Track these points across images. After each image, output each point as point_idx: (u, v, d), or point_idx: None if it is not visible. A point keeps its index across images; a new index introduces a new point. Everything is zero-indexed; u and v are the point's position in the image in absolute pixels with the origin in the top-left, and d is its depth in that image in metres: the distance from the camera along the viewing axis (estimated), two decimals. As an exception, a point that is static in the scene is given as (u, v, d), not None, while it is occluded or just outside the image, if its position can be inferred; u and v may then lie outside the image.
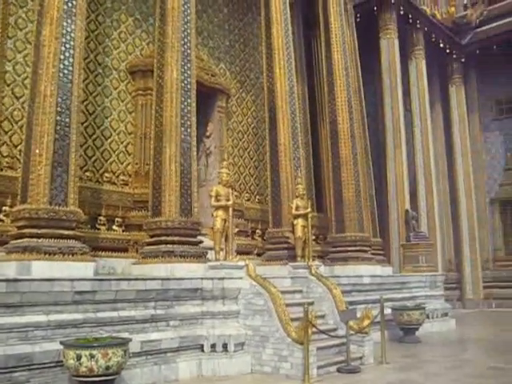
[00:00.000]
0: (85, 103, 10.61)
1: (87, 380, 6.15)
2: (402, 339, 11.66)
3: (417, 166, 19.28)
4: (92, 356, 6.04)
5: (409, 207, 16.94)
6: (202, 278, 8.48)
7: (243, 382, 7.77)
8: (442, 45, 21.37)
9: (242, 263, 8.94)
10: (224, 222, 9.02)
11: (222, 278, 8.52)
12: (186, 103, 9.72)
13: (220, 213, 9.00)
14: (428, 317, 13.06)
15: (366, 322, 8.91)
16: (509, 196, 22.51)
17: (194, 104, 9.95)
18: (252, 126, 14.50)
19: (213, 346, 8.22)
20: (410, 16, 19.58)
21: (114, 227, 10.81)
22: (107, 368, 6.13)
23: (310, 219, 10.74)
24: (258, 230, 13.76)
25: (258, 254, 12.88)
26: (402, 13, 19.00)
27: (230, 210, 9.04)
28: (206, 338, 8.22)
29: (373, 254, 13.57)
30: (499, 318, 17.15)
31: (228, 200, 9.04)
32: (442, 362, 9.20)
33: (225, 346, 8.24)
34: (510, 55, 21.73)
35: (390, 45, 18.57)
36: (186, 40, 9.95)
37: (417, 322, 11.72)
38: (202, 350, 8.22)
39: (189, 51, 9.99)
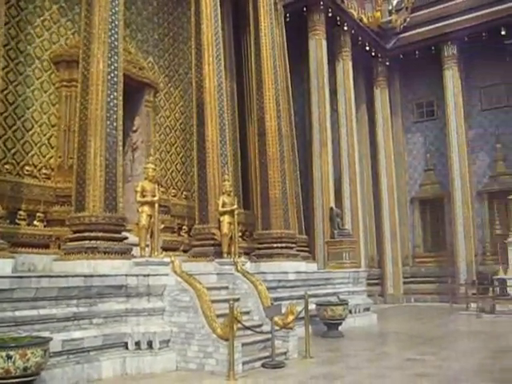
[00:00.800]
0: (4, 92, 10.17)
1: (3, 382, 5.86)
2: (325, 334, 11.92)
3: (342, 164, 19.76)
4: (9, 357, 5.77)
5: (334, 205, 17.34)
6: (126, 275, 8.34)
7: (168, 379, 7.71)
8: (367, 48, 21.95)
9: (167, 260, 8.85)
10: (149, 218, 8.90)
11: (148, 275, 8.41)
12: (112, 96, 9.51)
13: (146, 209, 8.87)
14: (351, 312, 13.42)
15: (291, 318, 9.05)
16: (428, 195, 23.55)
17: (120, 97, 9.74)
18: (180, 121, 14.39)
19: (137, 343, 8.11)
20: (338, 18, 20.02)
21: (35, 222, 10.44)
22: (25, 369, 5.88)
23: (236, 216, 10.80)
24: (184, 227, 13.69)
25: (184, 251, 12.83)
26: (330, 15, 19.38)
27: (156, 205, 8.93)
28: (130, 335, 8.09)
29: (298, 250, 13.81)
30: (417, 312, 17.90)
31: (154, 196, 8.92)
32: (363, 355, 9.49)
33: (149, 344, 8.14)
34: (431, 61, 22.72)
35: (318, 45, 18.93)
36: (113, 31, 9.73)
37: (340, 317, 12.01)
38: (127, 348, 8.09)
39: (116, 43, 9.78)
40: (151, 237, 8.94)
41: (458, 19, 22.47)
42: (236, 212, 10.85)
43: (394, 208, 22.75)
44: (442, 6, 24.20)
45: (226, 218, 10.85)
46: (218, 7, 12.77)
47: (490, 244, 21.44)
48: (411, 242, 23.75)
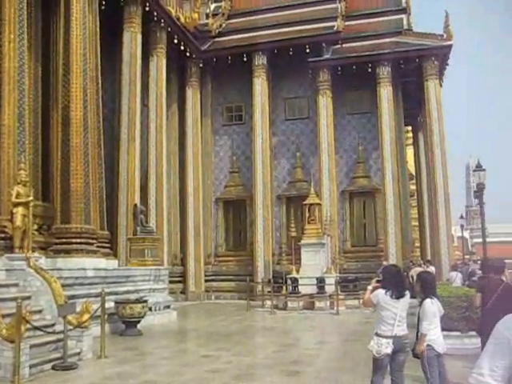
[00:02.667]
0: None
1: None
2: (123, 332, 11.64)
3: (149, 161, 19.52)
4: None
5: (138, 201, 17.06)
6: None
7: None
8: (182, 47, 22.02)
9: None
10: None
11: None
12: None
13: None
14: (151, 309, 13.30)
15: (86, 317, 8.65)
16: (231, 196, 24.37)
17: None
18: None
19: None
20: (155, 14, 19.73)
21: None
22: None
23: (31, 208, 10.05)
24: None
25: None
26: (147, 9, 19.05)
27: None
28: None
29: (99, 246, 13.32)
30: (216, 310, 18.39)
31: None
32: (160, 353, 9.44)
33: None
34: (242, 68, 23.60)
35: (132, 38, 18.47)
36: None
37: (139, 315, 11.83)
38: None
39: None
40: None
41: (268, 32, 23.74)
42: (31, 204, 10.10)
43: (199, 207, 23.10)
44: (254, 17, 25.42)
45: (19, 210, 10.04)
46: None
47: (285, 245, 22.89)
48: (214, 241, 24.35)
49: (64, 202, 12.52)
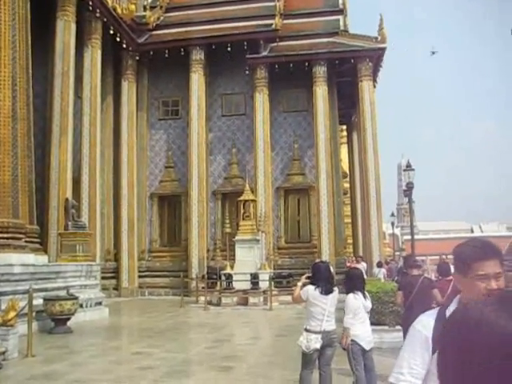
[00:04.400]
0: None
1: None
2: (52, 330, 11.35)
3: (82, 154, 19.02)
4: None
5: (70, 196, 16.63)
6: None
7: None
8: (118, 39, 21.59)
9: None
10: None
11: None
12: None
13: None
14: (82, 306, 13.02)
15: (12, 314, 8.37)
16: (166, 191, 24.15)
17: None
18: None
19: None
20: (91, 3, 19.24)
21: None
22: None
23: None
24: None
25: None
26: (82, -3, 18.56)
27: None
28: None
29: (28, 241, 12.89)
30: (150, 306, 18.20)
31: None
32: (91, 350, 9.25)
33: None
34: (180, 63, 23.40)
35: (66, 28, 17.95)
36: None
37: (69, 312, 11.57)
38: None
39: None
40: None
41: (206, 27, 23.67)
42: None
43: (133, 202, 22.72)
44: (192, 11, 25.27)
45: None
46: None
47: (220, 241, 22.92)
48: (148, 236, 24.06)
49: (-10, 196, 12.04)
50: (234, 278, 17.77)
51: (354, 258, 21.19)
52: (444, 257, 15.35)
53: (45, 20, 17.68)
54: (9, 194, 12.00)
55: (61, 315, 11.46)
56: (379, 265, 19.23)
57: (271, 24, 23.15)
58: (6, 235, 11.91)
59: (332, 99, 23.49)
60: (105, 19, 20.31)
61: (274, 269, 20.11)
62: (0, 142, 12.01)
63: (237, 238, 19.04)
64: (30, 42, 14.57)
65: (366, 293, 5.72)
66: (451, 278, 6.68)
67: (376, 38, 22.96)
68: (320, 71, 22.65)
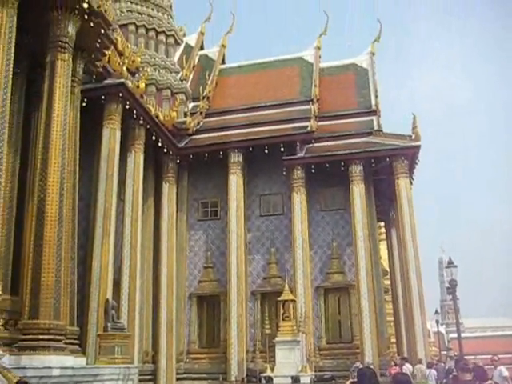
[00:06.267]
0: None
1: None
2: None
3: (123, 256, 19.32)
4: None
5: (111, 296, 16.71)
6: None
7: None
8: (160, 144, 22.55)
9: None
10: None
11: None
12: None
13: None
14: (117, 411, 12.67)
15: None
16: (205, 292, 24.05)
17: None
18: None
19: None
20: (135, 112, 20.35)
21: None
22: None
23: (-1, 302, 9.76)
24: None
25: None
26: (127, 107, 19.66)
27: None
28: None
29: (67, 343, 12.83)
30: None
31: None
32: None
33: None
34: (218, 165, 24.19)
35: (111, 135, 18.91)
36: None
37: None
38: None
39: None
40: None
41: (244, 131, 24.60)
42: (0, 298, 9.81)
43: (172, 302, 22.61)
44: (230, 116, 26.41)
45: (-14, 305, 9.73)
46: (10, 77, 12.04)
47: (260, 342, 22.39)
48: (187, 337, 23.72)
49: (33, 296, 12.12)
50: (274, 381, 17.18)
51: (394, 361, 20.17)
52: (496, 358, 14.53)
53: (92, 127, 18.65)
54: (51, 296, 12.12)
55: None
56: (430, 365, 18.29)
57: (307, 126, 23.88)
58: (46, 337, 11.91)
59: (369, 197, 23.60)
60: (148, 126, 21.35)
61: (316, 371, 19.41)
62: (46, 245, 12.31)
63: (277, 339, 18.65)
64: (78, 148, 15.33)
65: None
66: (490, 382, 6.29)
67: (410, 136, 23.36)
68: (356, 170, 22.96)
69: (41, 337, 11.87)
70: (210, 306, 24.26)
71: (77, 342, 14.25)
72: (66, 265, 13.21)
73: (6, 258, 13.23)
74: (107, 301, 15.75)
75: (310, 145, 24.22)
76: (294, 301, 19.74)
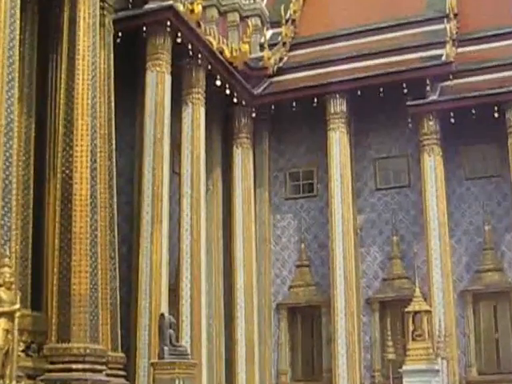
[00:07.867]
0: None
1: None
2: None
3: (182, 251, 19.59)
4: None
5: (167, 310, 17.09)
6: None
7: None
8: (228, 91, 22.43)
9: None
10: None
11: None
12: None
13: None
14: None
15: None
16: (299, 301, 24.13)
17: None
18: None
19: None
20: (190, 47, 20.14)
21: None
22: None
23: (16, 320, 10.28)
24: None
25: None
26: (179, 41, 19.64)
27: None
28: None
29: (110, 374, 13.36)
30: None
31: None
32: None
33: None
34: (312, 118, 23.97)
35: (159, 81, 18.93)
36: None
37: None
38: None
39: None
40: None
41: (348, 66, 24.20)
42: (18, 314, 10.34)
43: (253, 317, 22.80)
44: (327, 46, 25.93)
45: (1, 324, 10.29)
46: (18, 11, 12.45)
47: (380, 372, 22.36)
48: (275, 366, 23.94)
49: (62, 312, 12.64)
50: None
51: None
52: None
53: (131, 71, 18.91)
54: (86, 310, 12.50)
55: None
56: None
57: (441, 55, 23.26)
58: (81, 366, 12.37)
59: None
60: (209, 66, 21.28)
61: (463, 415, 19.24)
62: (75, 239, 12.60)
63: (405, 367, 18.55)
64: (113, 103, 15.65)
65: None
66: None
67: None
68: (518, 118, 22.23)
69: (74, 366, 12.39)
70: (307, 322, 24.43)
71: (123, 373, 14.79)
72: (103, 266, 13.64)
73: (24, 258, 13.74)
74: (162, 316, 16.18)
75: (447, 83, 23.62)
76: (429, 312, 19.51)
